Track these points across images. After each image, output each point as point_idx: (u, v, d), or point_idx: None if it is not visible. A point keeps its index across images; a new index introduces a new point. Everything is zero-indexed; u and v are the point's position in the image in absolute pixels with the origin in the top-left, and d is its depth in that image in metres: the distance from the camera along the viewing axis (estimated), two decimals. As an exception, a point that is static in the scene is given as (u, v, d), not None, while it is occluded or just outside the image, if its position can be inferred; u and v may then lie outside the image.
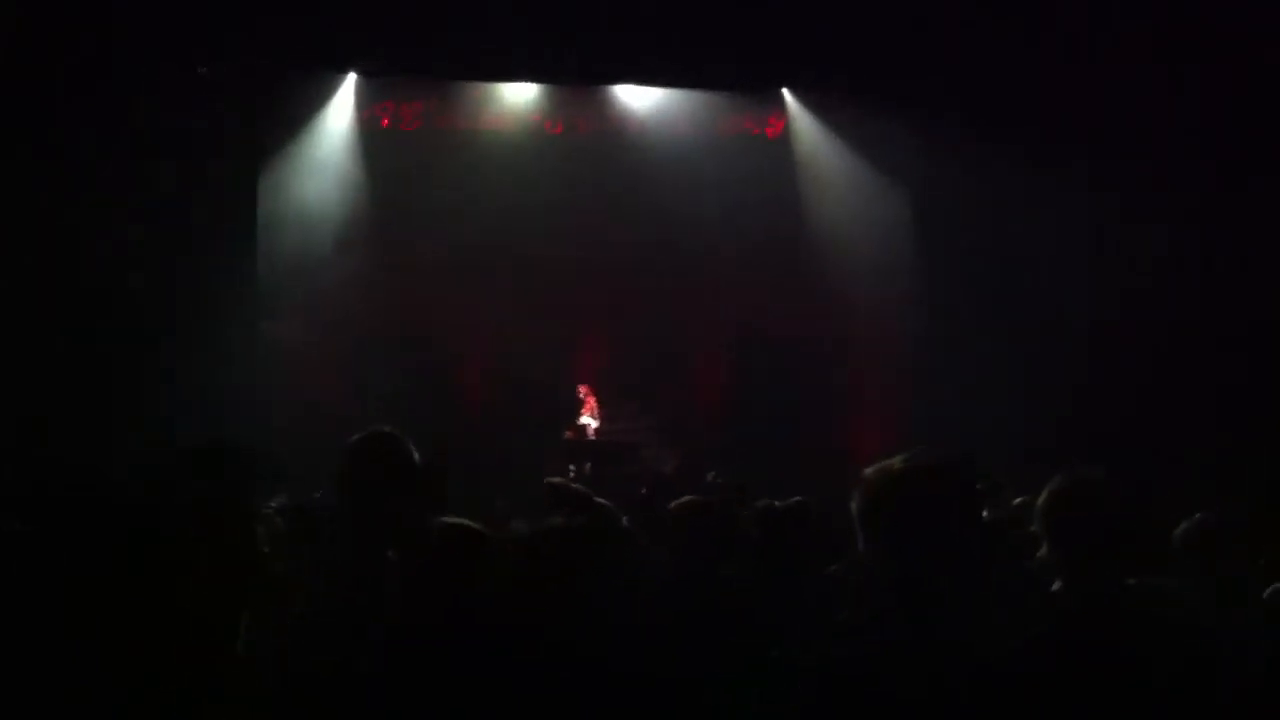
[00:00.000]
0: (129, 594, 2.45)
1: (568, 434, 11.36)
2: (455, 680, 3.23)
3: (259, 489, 4.13)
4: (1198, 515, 4.43)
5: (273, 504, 4.14)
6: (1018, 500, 5.86)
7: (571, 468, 10.88)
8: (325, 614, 3.61)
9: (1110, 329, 10.50)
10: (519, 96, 12.48)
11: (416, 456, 4.09)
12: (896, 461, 3.00)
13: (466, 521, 3.72)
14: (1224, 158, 10.08)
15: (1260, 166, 9.88)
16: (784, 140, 12.81)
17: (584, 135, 12.51)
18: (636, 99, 12.61)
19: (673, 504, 4.92)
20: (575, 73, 12.17)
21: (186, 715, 2.42)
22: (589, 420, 11.56)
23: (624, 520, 4.23)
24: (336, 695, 3.30)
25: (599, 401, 11.72)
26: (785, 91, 12.59)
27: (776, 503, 5.48)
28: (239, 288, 10.66)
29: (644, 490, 10.51)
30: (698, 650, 4.11)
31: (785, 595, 5.04)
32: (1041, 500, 3.71)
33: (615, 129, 12.61)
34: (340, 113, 11.95)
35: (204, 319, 9.90)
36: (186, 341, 9.65)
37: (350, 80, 11.97)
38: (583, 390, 11.61)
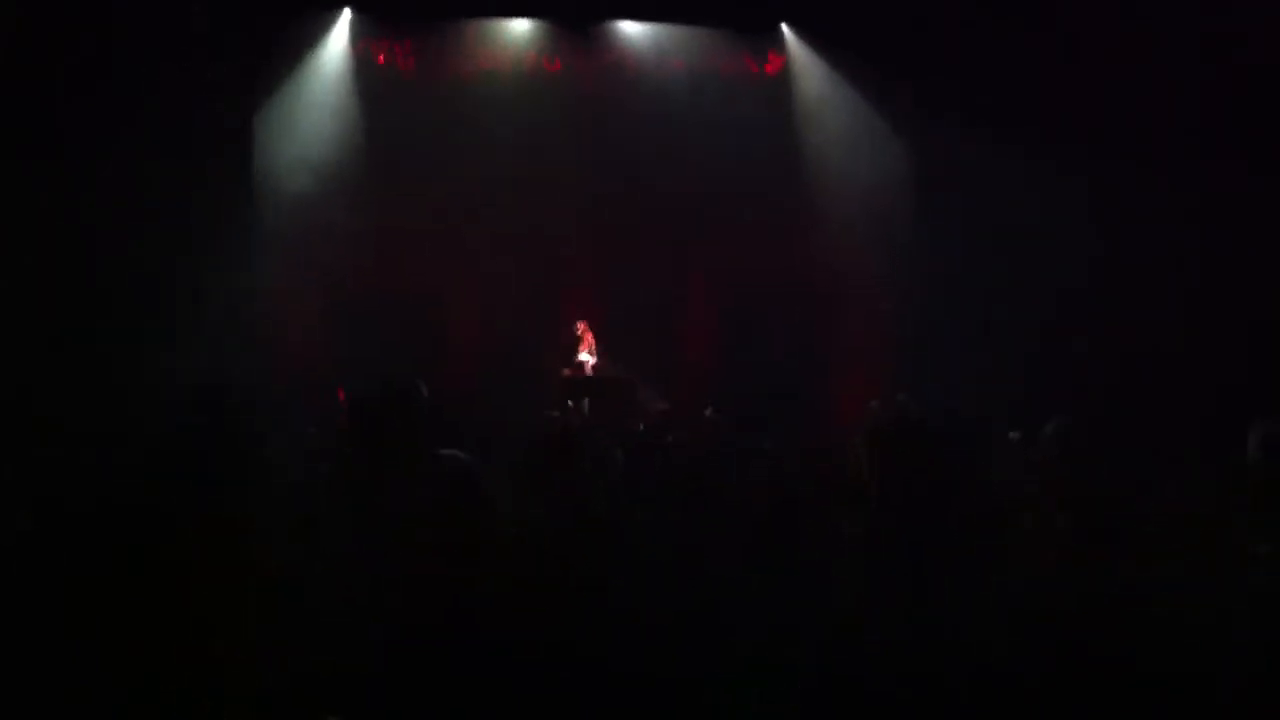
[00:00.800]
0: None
1: (565, 371, 11.36)
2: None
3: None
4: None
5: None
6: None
7: (570, 403, 10.91)
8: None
9: (1109, 295, 10.49)
10: (516, 33, 12.37)
11: (425, 391, 4.11)
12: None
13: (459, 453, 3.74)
14: (1230, 132, 10.03)
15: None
16: (782, 78, 12.71)
17: (581, 73, 12.42)
18: (634, 35, 12.49)
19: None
20: (572, 8, 12.08)
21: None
22: (586, 357, 11.56)
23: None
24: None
25: (596, 339, 11.71)
26: (785, 27, 12.48)
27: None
28: (236, 234, 10.64)
29: (641, 426, 10.60)
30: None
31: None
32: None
33: (613, 66, 12.50)
34: (335, 49, 11.86)
35: (201, 266, 9.92)
36: (183, 290, 9.64)
37: (345, 17, 11.90)
38: (580, 326, 11.58)
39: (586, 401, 11.04)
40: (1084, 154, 10.29)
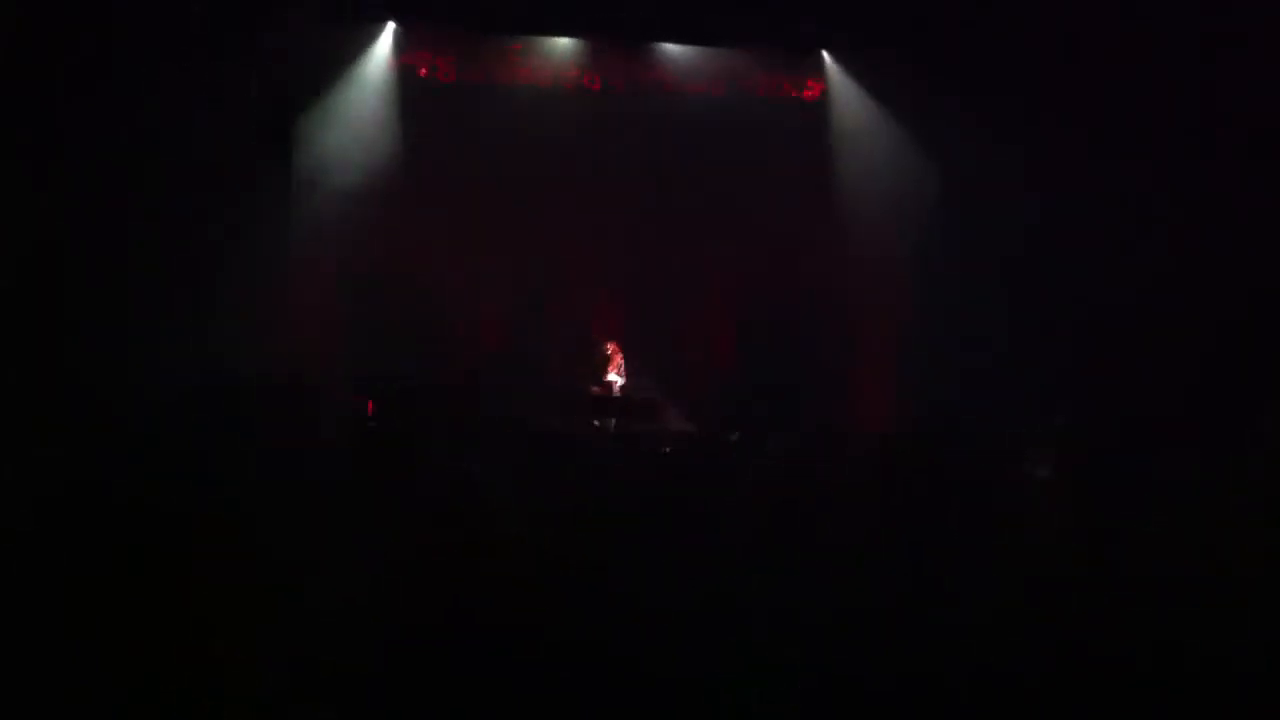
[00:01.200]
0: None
1: (594, 389, 11.42)
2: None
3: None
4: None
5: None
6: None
7: (596, 422, 10.97)
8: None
9: (1129, 332, 10.47)
10: (557, 50, 12.46)
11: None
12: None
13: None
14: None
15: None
16: (821, 104, 12.74)
17: (621, 91, 12.50)
18: (675, 55, 12.56)
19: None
20: (615, 27, 12.15)
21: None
22: (615, 377, 11.62)
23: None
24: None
25: (625, 359, 11.78)
26: (825, 54, 12.51)
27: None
28: (271, 243, 10.75)
29: (667, 449, 10.64)
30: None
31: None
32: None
33: (653, 85, 12.58)
34: (378, 61, 11.98)
35: (233, 274, 10.01)
36: (211, 296, 9.70)
37: (389, 29, 12.01)
38: (610, 347, 11.65)
39: (613, 421, 11.09)
40: (1126, 181, 10.30)
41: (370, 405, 10.23)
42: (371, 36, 11.97)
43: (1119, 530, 6.09)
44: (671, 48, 12.56)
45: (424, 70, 12.20)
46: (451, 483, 3.97)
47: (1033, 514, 6.12)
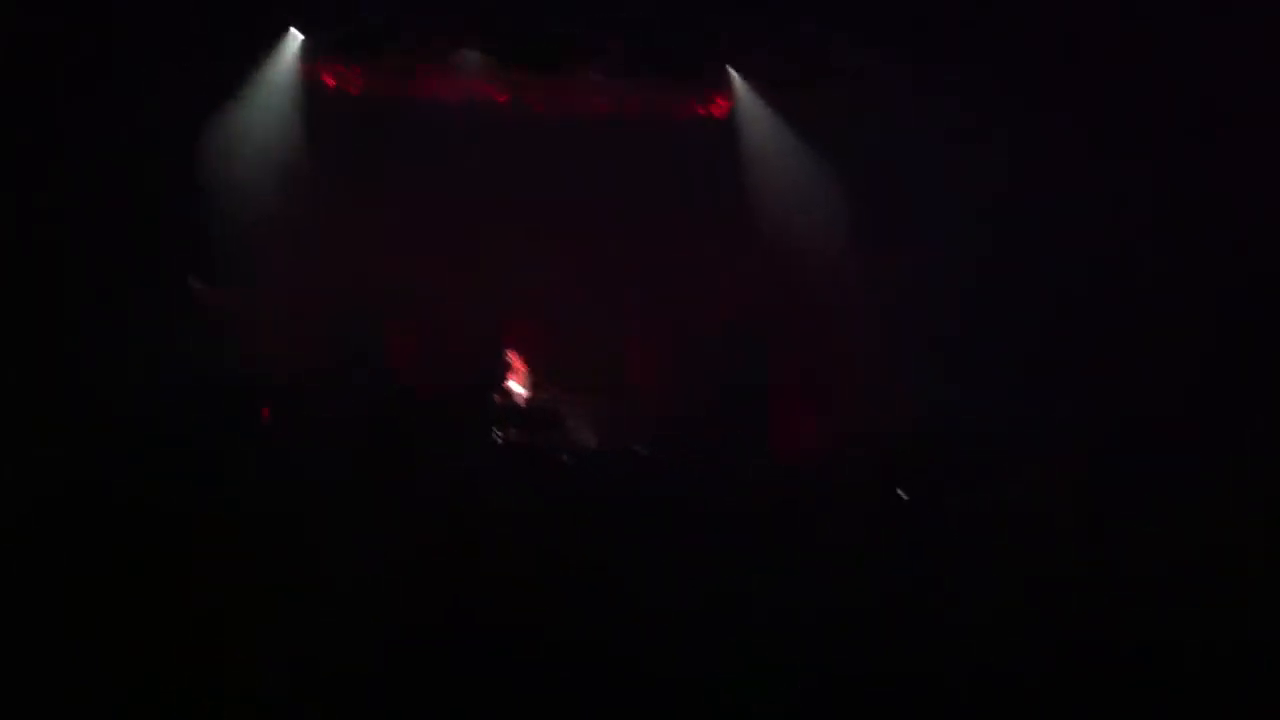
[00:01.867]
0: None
1: (496, 398, 11.41)
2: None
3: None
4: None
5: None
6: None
7: (498, 432, 10.95)
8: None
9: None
10: (468, 67, 12.48)
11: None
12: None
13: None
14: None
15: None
16: (730, 120, 12.85)
17: (531, 106, 12.53)
18: (586, 73, 12.64)
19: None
20: (522, 47, 12.18)
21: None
22: (517, 387, 11.61)
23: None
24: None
25: (529, 370, 11.76)
26: (730, 70, 12.63)
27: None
28: (179, 250, 10.70)
29: (565, 458, 10.66)
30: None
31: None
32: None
33: (565, 104, 12.63)
34: (282, 68, 11.94)
35: (142, 283, 9.94)
36: (123, 307, 9.62)
37: (293, 38, 11.96)
38: (511, 356, 11.66)
39: (513, 430, 11.08)
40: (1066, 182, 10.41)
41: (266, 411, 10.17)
42: (276, 43, 11.89)
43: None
44: (580, 66, 12.58)
45: (331, 81, 12.16)
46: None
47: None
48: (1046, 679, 4.13)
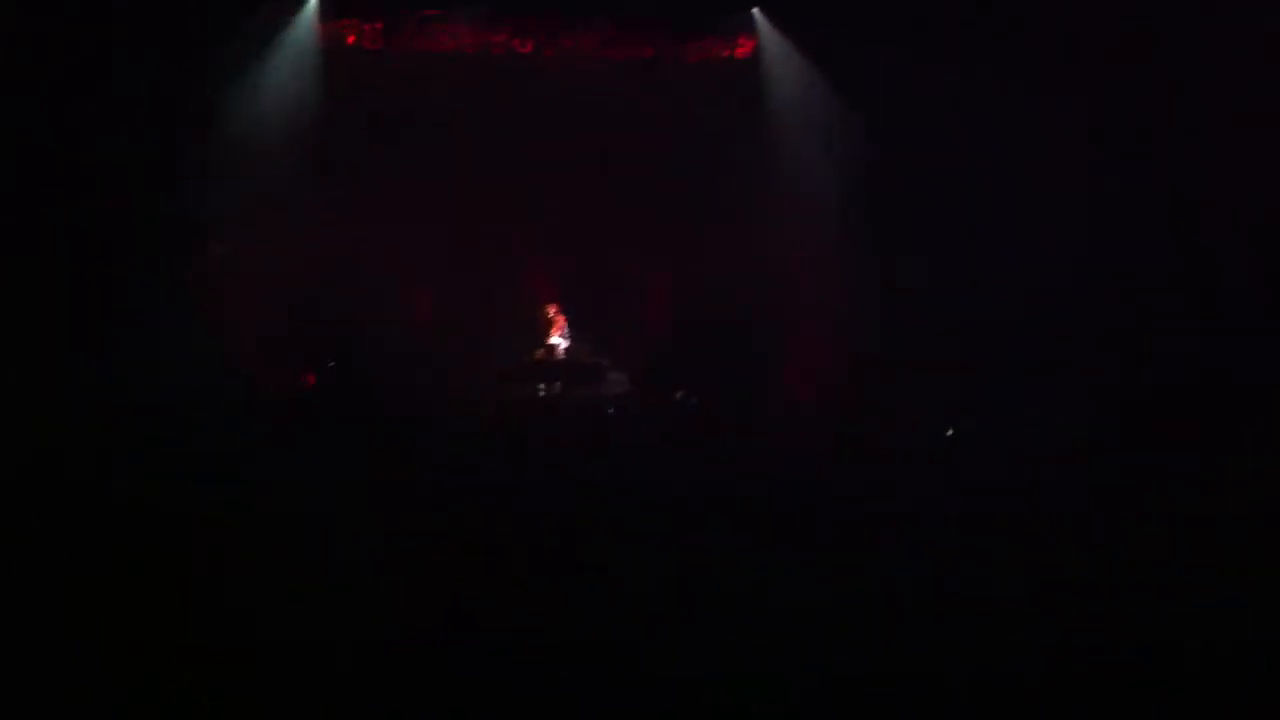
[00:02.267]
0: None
1: (538, 353, 11.42)
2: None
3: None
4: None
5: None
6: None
7: (541, 386, 10.98)
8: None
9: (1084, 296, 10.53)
10: (485, 18, 12.34)
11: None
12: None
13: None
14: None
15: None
16: (753, 62, 12.71)
17: (550, 56, 12.40)
18: (604, 19, 12.49)
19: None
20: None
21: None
22: (559, 340, 11.62)
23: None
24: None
25: (568, 323, 11.76)
26: (756, 12, 12.47)
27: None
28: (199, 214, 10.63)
29: (611, 409, 10.68)
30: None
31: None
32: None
33: (582, 50, 12.49)
34: (303, 29, 11.80)
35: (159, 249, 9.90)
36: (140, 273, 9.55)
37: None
38: (552, 310, 11.64)
39: (558, 385, 11.09)
40: (1075, 145, 10.34)
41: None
42: (297, 5, 11.76)
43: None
44: (601, 12, 12.43)
45: (351, 38, 12.03)
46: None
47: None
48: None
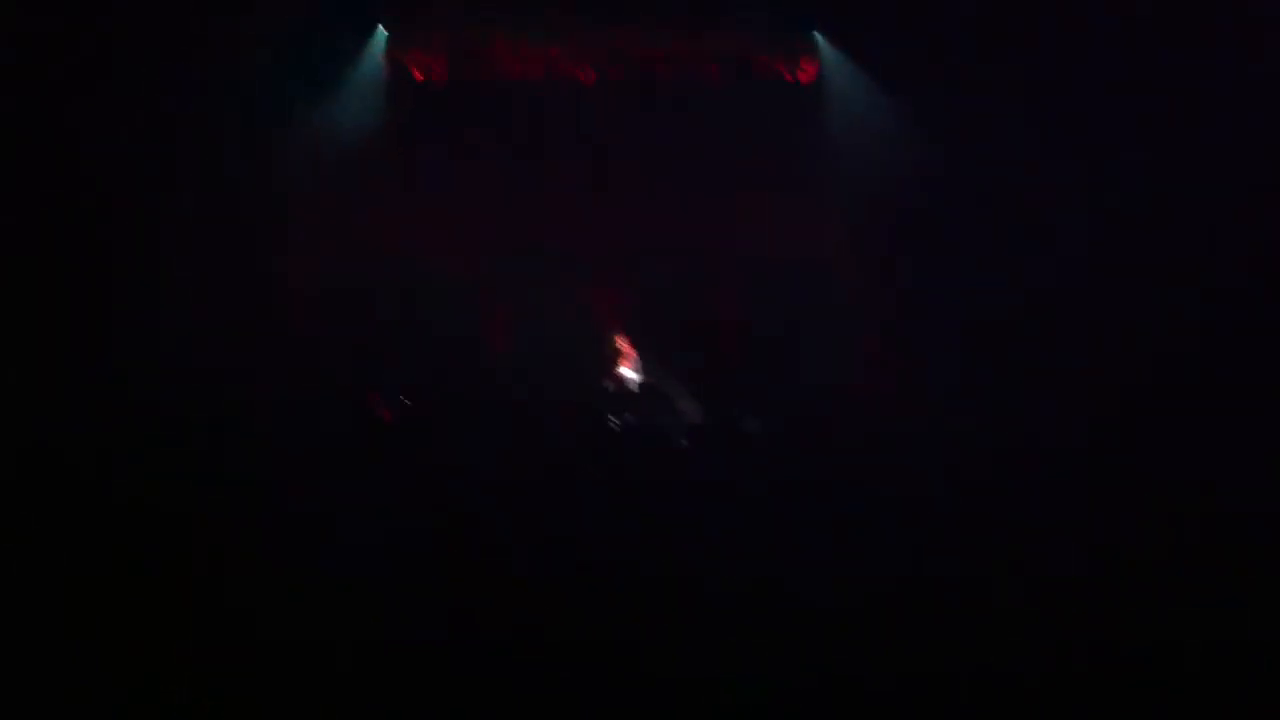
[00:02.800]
0: (129, 594, 2.43)
1: (609, 384, 11.44)
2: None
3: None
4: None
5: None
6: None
7: (613, 418, 10.96)
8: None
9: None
10: (549, 44, 12.39)
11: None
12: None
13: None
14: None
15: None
16: (816, 86, 12.68)
17: (616, 83, 12.45)
18: (667, 41, 12.50)
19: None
20: (605, 15, 12.09)
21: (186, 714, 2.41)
22: (628, 371, 11.63)
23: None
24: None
25: (635, 351, 11.78)
26: (818, 35, 12.45)
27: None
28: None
29: (684, 441, 10.64)
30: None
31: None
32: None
33: (647, 75, 12.53)
34: (370, 66, 11.95)
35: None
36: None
37: (379, 35, 11.97)
38: (620, 341, 11.66)
39: (629, 416, 11.07)
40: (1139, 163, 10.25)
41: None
42: (363, 42, 11.91)
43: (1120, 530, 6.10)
44: (664, 33, 12.43)
45: (419, 74, 12.15)
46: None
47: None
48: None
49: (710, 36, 12.45)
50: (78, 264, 9.74)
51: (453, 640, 3.61)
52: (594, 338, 11.99)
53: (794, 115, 12.44)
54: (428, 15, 12.05)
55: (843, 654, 4.25)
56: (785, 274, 12.33)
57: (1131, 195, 10.51)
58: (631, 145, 12.28)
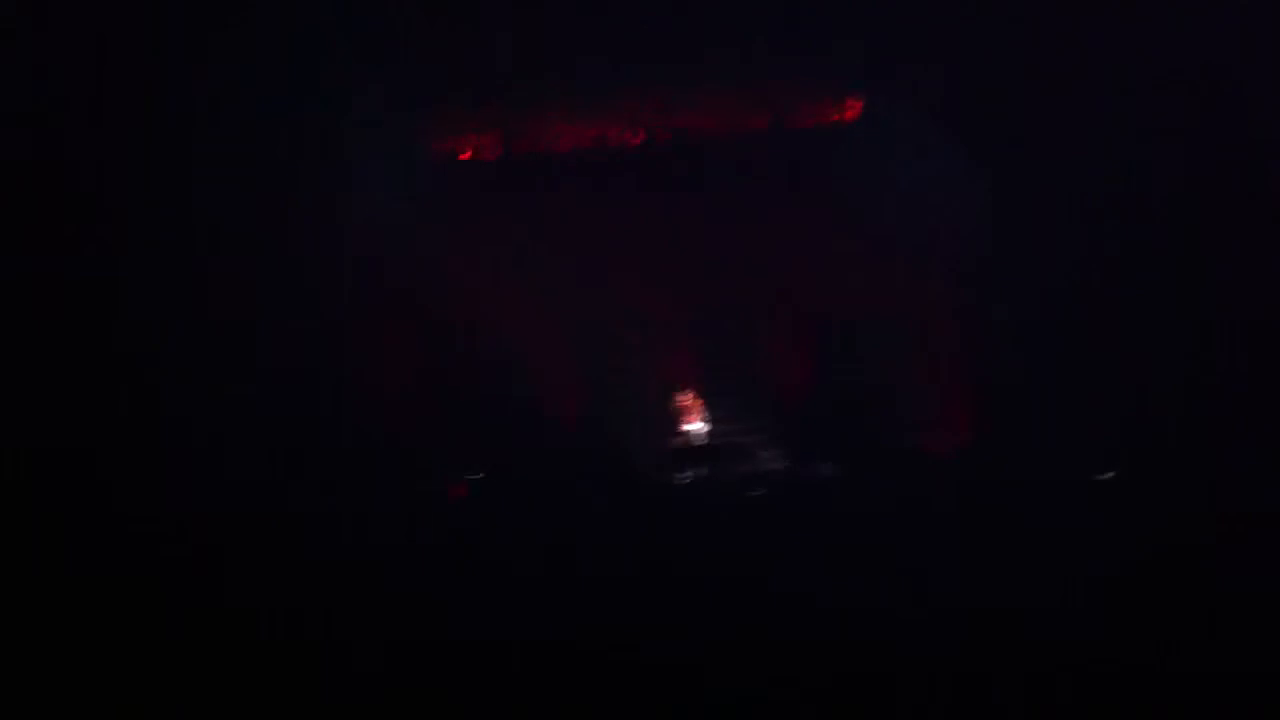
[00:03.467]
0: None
1: (678, 441, 11.46)
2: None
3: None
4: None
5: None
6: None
7: (686, 473, 10.99)
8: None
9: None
10: (599, 108, 12.49)
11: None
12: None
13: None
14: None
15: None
16: (863, 123, 12.68)
17: (665, 144, 12.52)
18: (711, 97, 12.56)
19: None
20: (648, 77, 12.18)
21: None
22: (697, 425, 11.63)
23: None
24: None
25: (703, 404, 11.77)
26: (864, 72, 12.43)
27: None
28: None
29: (760, 491, 10.64)
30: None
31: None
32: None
33: (694, 132, 12.60)
34: (417, 152, 12.10)
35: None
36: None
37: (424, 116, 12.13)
38: (686, 397, 11.68)
39: (702, 470, 11.09)
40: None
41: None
42: (410, 119, 12.05)
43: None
44: (708, 86, 12.50)
45: (468, 152, 12.28)
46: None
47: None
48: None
49: (752, 88, 12.48)
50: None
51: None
52: (665, 396, 12.02)
53: (844, 156, 12.44)
54: (472, 92, 12.17)
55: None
56: (846, 316, 12.28)
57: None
58: (687, 206, 12.29)
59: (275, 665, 6.08)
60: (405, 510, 9.74)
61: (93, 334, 9.58)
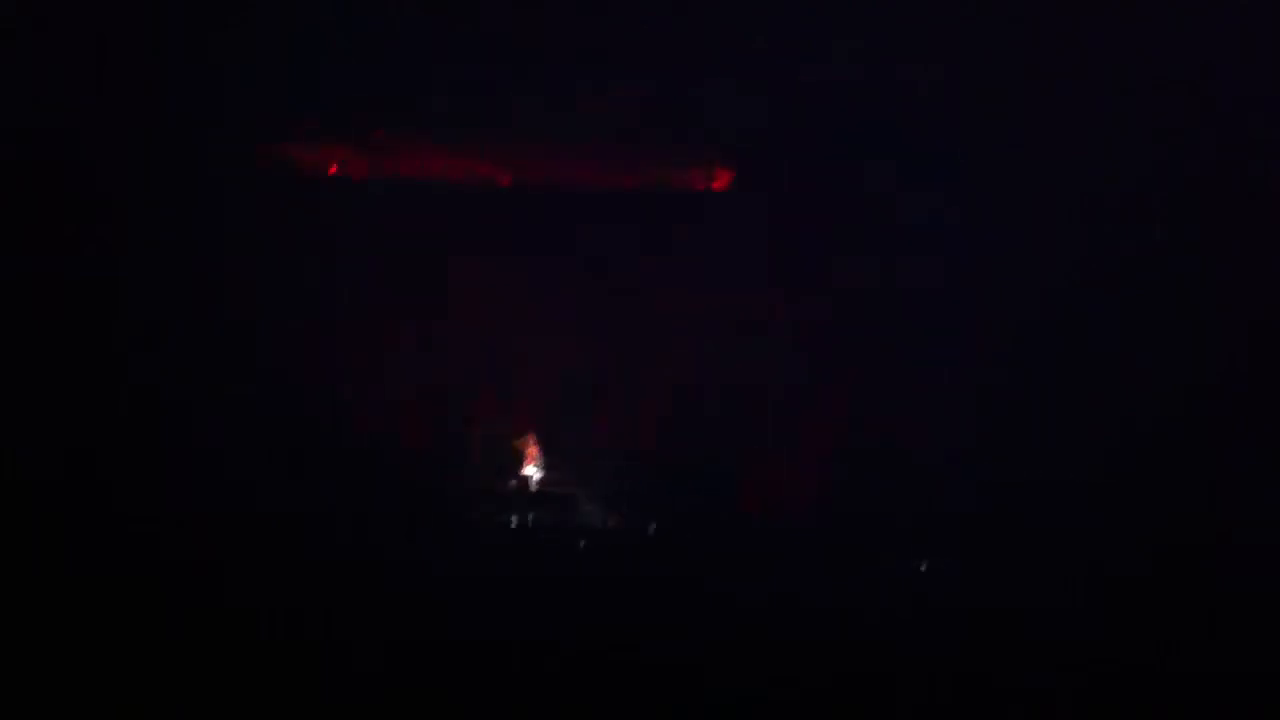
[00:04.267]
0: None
1: (512, 484, 11.59)
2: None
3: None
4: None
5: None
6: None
7: (514, 518, 11.10)
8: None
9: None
10: (469, 146, 12.33)
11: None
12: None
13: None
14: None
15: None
16: (730, 195, 12.51)
17: (533, 189, 12.34)
18: (585, 150, 12.42)
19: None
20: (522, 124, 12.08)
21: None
22: (532, 470, 11.75)
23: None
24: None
25: (540, 452, 11.83)
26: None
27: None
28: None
29: (583, 543, 10.75)
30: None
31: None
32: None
33: (564, 182, 12.45)
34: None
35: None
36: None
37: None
38: (525, 441, 11.78)
39: (530, 515, 11.18)
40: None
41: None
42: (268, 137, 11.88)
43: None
44: (581, 143, 12.33)
45: (334, 168, 12.13)
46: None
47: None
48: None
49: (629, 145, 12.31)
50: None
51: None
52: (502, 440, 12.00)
53: (713, 222, 12.23)
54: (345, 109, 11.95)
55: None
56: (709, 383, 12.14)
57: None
58: (548, 252, 12.16)
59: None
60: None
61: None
